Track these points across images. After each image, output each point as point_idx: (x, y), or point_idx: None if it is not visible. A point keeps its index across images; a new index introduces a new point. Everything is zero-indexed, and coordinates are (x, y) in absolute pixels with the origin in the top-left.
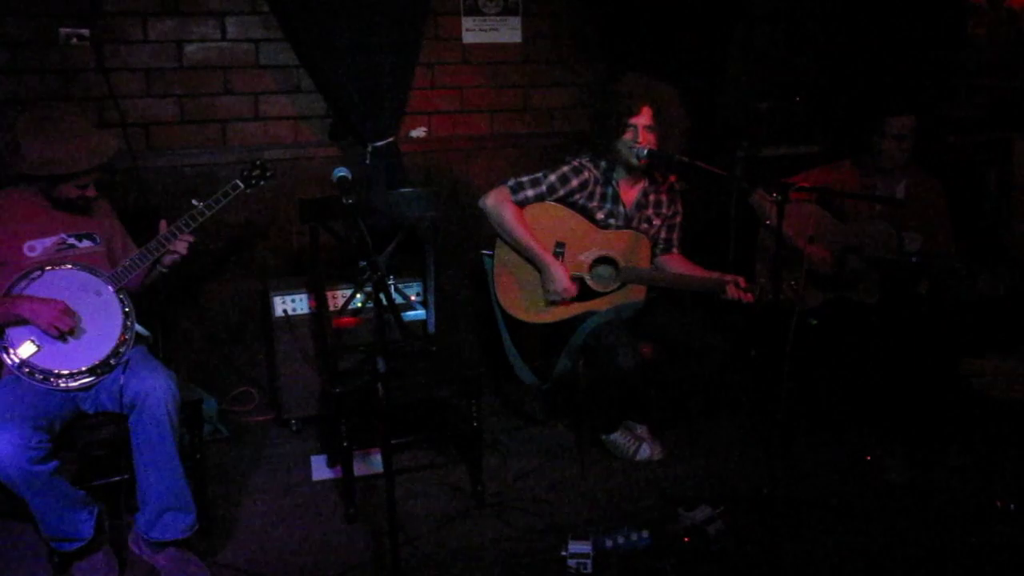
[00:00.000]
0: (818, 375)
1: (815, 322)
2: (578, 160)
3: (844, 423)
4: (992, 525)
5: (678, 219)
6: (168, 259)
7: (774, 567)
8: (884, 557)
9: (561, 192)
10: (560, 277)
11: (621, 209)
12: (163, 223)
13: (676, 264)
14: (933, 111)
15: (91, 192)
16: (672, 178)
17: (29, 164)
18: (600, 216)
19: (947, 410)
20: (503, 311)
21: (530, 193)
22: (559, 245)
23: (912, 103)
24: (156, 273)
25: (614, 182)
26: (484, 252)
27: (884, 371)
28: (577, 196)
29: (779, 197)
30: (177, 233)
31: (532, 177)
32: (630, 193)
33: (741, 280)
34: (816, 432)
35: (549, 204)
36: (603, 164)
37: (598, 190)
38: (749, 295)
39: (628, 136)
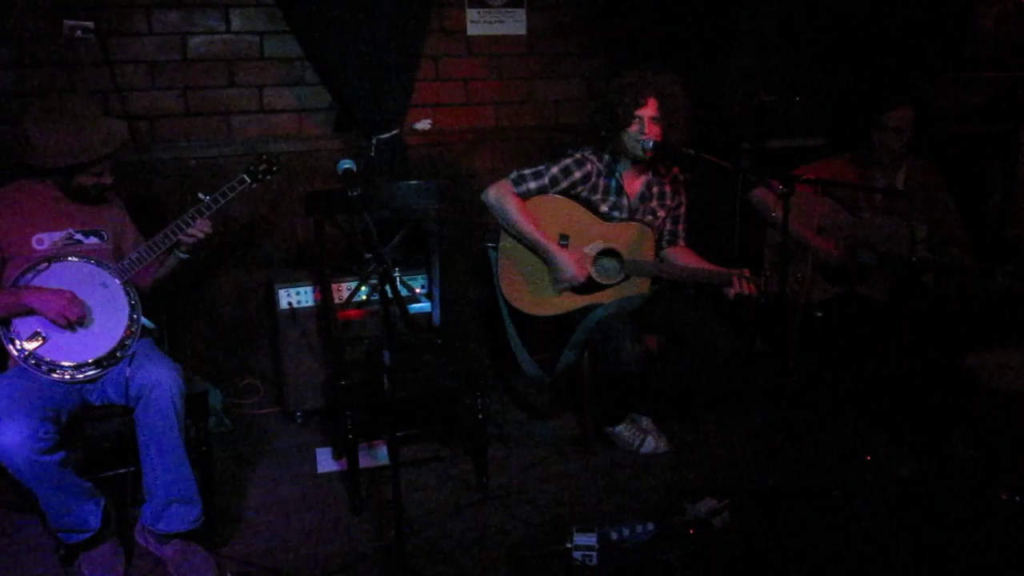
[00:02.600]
0: (824, 368)
1: (820, 315)
2: (580, 152)
3: (849, 416)
4: (997, 518)
5: (682, 210)
6: (187, 241)
7: (779, 560)
8: (889, 550)
9: (564, 184)
10: (568, 264)
11: (625, 201)
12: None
13: (683, 257)
14: (939, 102)
15: (107, 179)
16: (675, 169)
17: (43, 157)
18: (604, 209)
19: (952, 403)
20: (508, 304)
21: (532, 185)
22: (563, 238)
23: (915, 94)
24: (174, 260)
25: (618, 174)
26: (488, 245)
27: (889, 364)
28: (580, 188)
29: (785, 190)
30: (183, 227)
31: (534, 170)
32: (634, 185)
33: (746, 271)
34: (821, 425)
35: (552, 197)
36: (606, 156)
37: (601, 182)
38: (752, 286)
39: (634, 128)
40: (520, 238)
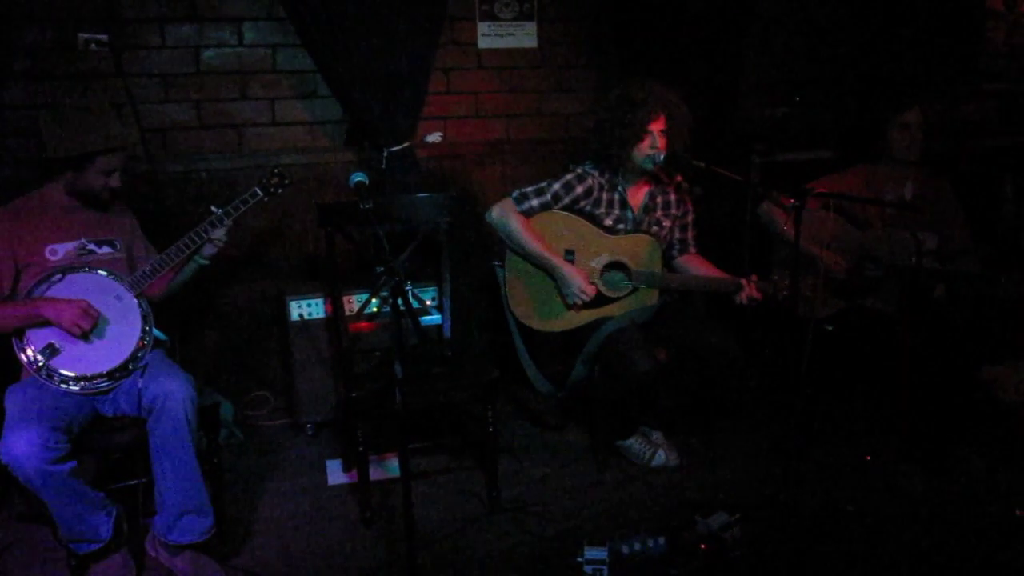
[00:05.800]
0: (834, 382)
1: (831, 328)
2: (581, 168)
3: (861, 430)
4: (1010, 534)
5: (690, 218)
6: (208, 251)
7: (791, 574)
8: (900, 565)
9: (566, 200)
10: (575, 279)
11: (629, 214)
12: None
13: (696, 265)
14: (949, 115)
15: (115, 182)
16: (679, 178)
17: (51, 147)
18: (608, 222)
19: (964, 417)
20: (517, 321)
21: (535, 203)
22: (569, 253)
23: (926, 104)
24: (193, 267)
25: (620, 188)
26: (495, 263)
27: (900, 377)
28: (583, 203)
29: (797, 204)
30: (196, 240)
31: (536, 187)
32: (637, 197)
33: (754, 276)
34: (832, 439)
35: (556, 213)
36: (607, 171)
37: (604, 196)
38: (759, 292)
39: (646, 142)
40: (526, 255)
